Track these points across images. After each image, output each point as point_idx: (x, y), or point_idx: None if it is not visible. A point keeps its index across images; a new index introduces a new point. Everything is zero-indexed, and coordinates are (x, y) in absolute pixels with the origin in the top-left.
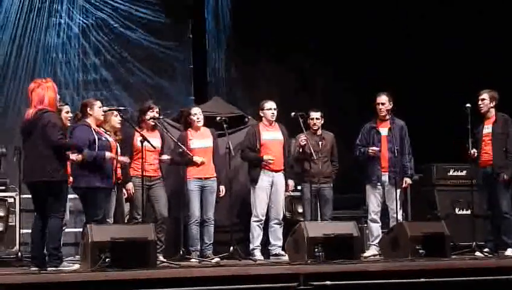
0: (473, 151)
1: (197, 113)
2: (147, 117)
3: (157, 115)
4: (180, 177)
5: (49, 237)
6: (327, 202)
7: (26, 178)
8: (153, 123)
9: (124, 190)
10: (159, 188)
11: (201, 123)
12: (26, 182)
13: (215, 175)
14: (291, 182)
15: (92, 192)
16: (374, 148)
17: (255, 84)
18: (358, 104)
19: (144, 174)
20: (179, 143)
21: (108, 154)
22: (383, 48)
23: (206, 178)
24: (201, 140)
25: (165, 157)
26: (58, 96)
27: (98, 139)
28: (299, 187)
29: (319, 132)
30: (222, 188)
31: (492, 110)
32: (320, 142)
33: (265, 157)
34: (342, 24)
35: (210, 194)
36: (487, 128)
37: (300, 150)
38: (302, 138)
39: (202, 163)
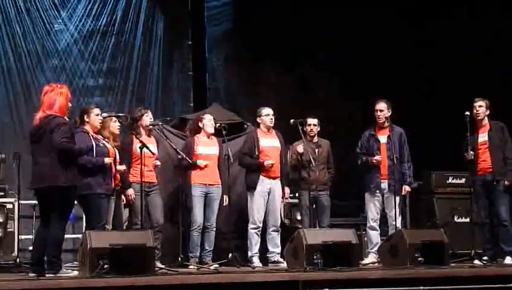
0: (470, 153)
1: (211, 119)
2: (144, 123)
3: (152, 119)
4: (180, 183)
5: (52, 244)
6: (325, 209)
7: (35, 184)
8: (150, 128)
9: (122, 196)
10: (156, 195)
11: (212, 130)
12: (35, 188)
13: (219, 182)
14: (287, 190)
15: (93, 198)
16: (378, 157)
17: (254, 91)
18: (358, 112)
19: (143, 180)
20: (178, 150)
21: (107, 160)
22: (384, 55)
23: (210, 185)
24: (207, 147)
25: (157, 162)
26: (70, 104)
27: (96, 145)
28: (297, 194)
29: (316, 139)
30: (226, 197)
31: (486, 118)
32: (317, 150)
33: (266, 163)
34: (344, 32)
35: (214, 201)
36: (483, 137)
37: (298, 158)
38: (300, 146)
39: (206, 166)
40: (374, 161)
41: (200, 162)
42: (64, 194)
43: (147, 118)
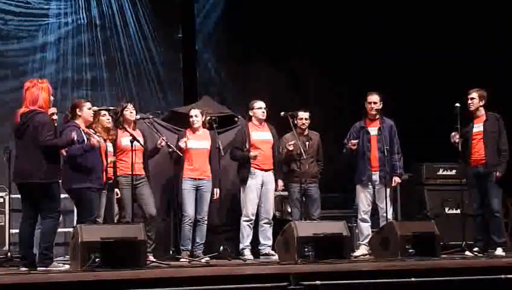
0: (458, 136)
1: (193, 115)
2: (126, 117)
3: (133, 112)
4: (171, 177)
5: (42, 237)
6: (315, 201)
7: (18, 179)
8: (134, 121)
9: (116, 190)
10: (145, 187)
11: (198, 124)
12: (17, 183)
13: (210, 176)
14: (280, 182)
15: (85, 193)
16: (354, 141)
17: (245, 83)
18: (349, 104)
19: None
20: (169, 143)
21: (93, 140)
22: (374, 47)
23: (200, 178)
24: (198, 141)
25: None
26: (52, 98)
27: (87, 140)
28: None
29: (306, 131)
30: (217, 191)
31: (482, 109)
32: (307, 142)
33: (251, 154)
34: (333, 24)
35: (204, 194)
36: (477, 127)
37: (287, 152)
38: (290, 143)
39: (190, 150)
40: (350, 145)
41: (183, 143)
42: (46, 189)
43: (127, 112)
